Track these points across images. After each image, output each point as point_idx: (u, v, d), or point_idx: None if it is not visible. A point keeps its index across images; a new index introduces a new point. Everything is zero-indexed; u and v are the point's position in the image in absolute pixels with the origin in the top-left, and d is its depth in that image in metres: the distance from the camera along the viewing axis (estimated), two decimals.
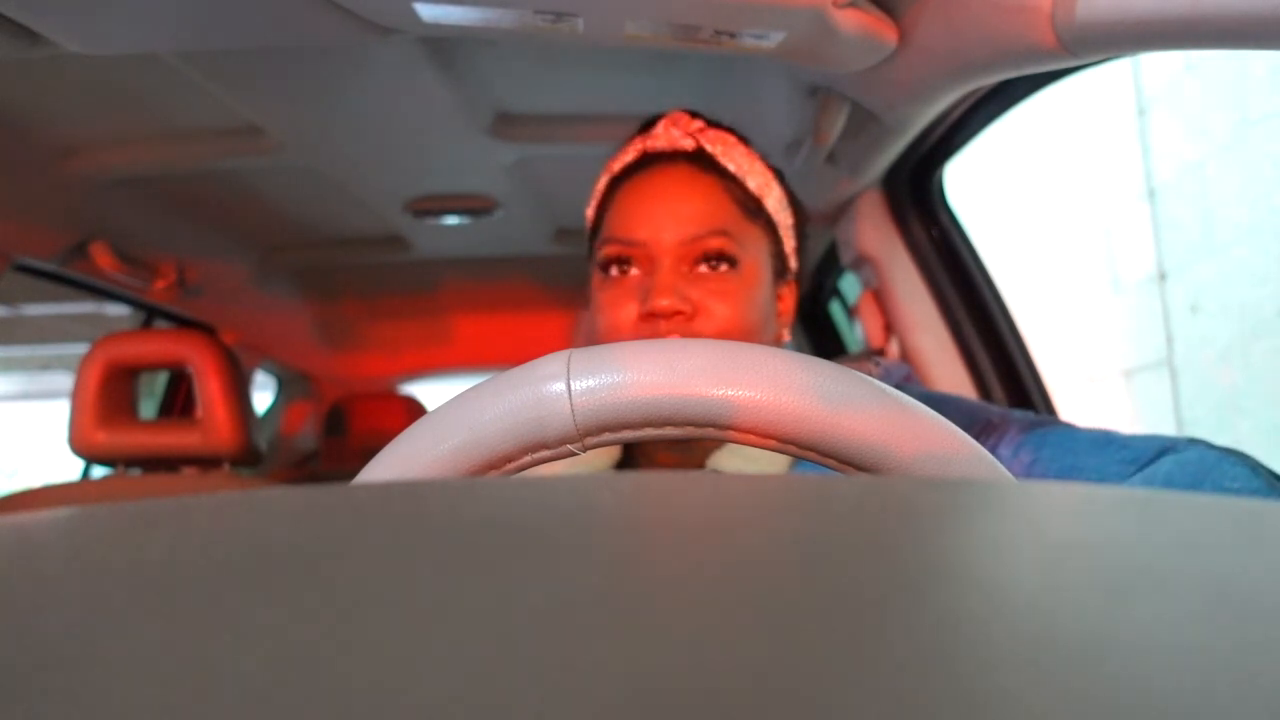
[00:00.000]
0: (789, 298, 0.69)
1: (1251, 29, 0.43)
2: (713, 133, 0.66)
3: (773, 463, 0.60)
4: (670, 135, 0.66)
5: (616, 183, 0.66)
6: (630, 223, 0.63)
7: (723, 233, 0.61)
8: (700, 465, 0.63)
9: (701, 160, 0.64)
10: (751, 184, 0.65)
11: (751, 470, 0.61)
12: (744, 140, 0.68)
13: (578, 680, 0.08)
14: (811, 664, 0.09)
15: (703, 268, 0.62)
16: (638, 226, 0.62)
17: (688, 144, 0.65)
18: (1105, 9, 0.51)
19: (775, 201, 0.66)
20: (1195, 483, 0.44)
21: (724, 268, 0.61)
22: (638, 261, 0.62)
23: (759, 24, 0.64)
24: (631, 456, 0.67)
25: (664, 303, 0.59)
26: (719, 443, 0.62)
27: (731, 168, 0.64)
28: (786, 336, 0.70)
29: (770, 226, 0.66)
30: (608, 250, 0.63)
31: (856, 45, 0.68)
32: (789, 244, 0.68)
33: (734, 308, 0.61)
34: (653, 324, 0.60)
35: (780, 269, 0.67)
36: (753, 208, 0.64)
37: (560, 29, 0.65)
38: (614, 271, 0.63)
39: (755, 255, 0.64)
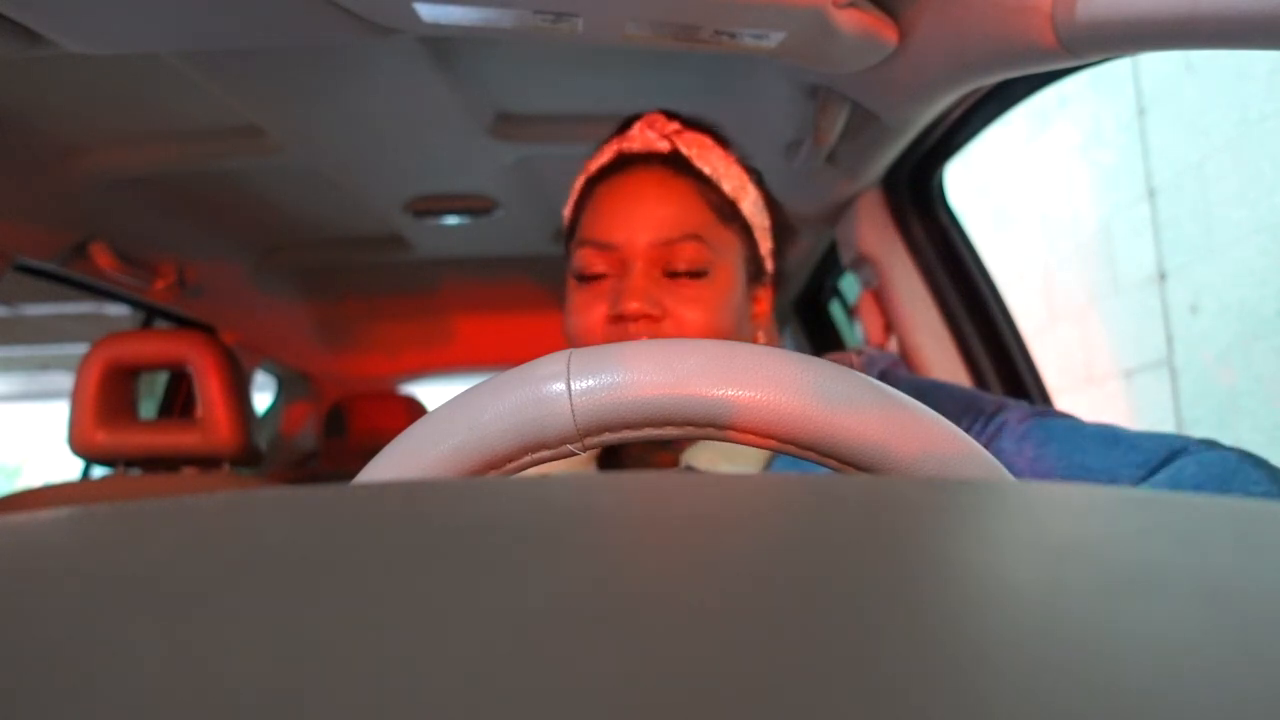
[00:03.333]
0: (765, 300, 0.69)
1: (1251, 29, 0.43)
2: (689, 135, 0.66)
3: (747, 458, 0.60)
4: (645, 137, 0.66)
5: (592, 184, 0.66)
6: (604, 225, 0.63)
7: (695, 237, 0.61)
8: (676, 462, 0.63)
9: (676, 162, 0.64)
10: (727, 187, 0.64)
11: (727, 466, 0.61)
12: (723, 141, 0.68)
13: (577, 679, 0.08)
14: (811, 664, 0.09)
15: (674, 272, 0.61)
16: (611, 229, 0.62)
17: (663, 146, 0.65)
18: (1105, 9, 0.51)
19: (751, 204, 0.66)
20: (1221, 485, 0.44)
21: (695, 273, 0.61)
22: (610, 264, 0.62)
23: (759, 24, 0.64)
24: (614, 453, 0.67)
25: (633, 306, 0.59)
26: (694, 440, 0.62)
27: (707, 170, 0.64)
28: (762, 339, 0.69)
29: (745, 230, 0.65)
30: (582, 253, 0.63)
31: (856, 45, 0.68)
32: (765, 246, 0.68)
33: (704, 313, 0.61)
34: (621, 326, 0.60)
35: (756, 272, 0.67)
36: (727, 212, 0.64)
37: (560, 29, 0.65)
38: (587, 274, 0.63)
39: (728, 259, 0.63)
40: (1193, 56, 2.16)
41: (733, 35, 0.66)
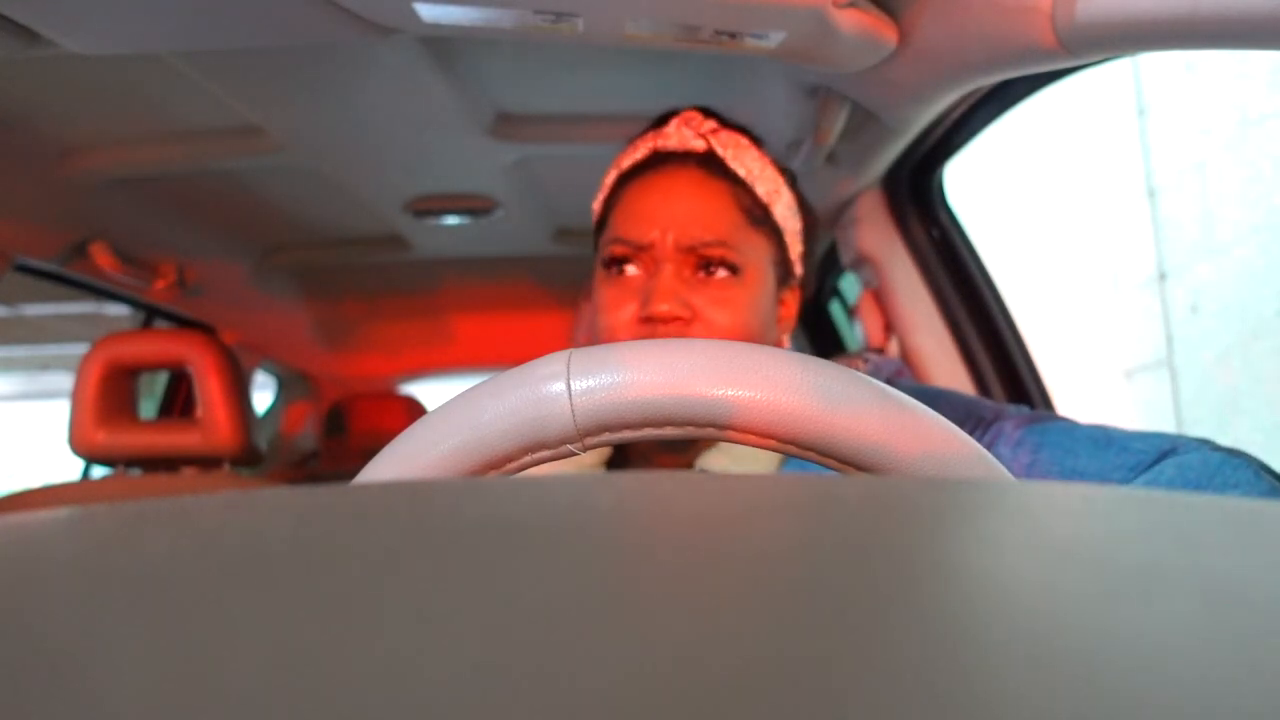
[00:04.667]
0: (791, 303, 0.68)
1: (1251, 29, 0.43)
2: (725, 134, 0.65)
3: (759, 461, 0.60)
4: (682, 135, 0.65)
5: (625, 179, 0.66)
6: (635, 223, 0.62)
7: (724, 243, 0.61)
8: (689, 465, 0.63)
9: (712, 163, 0.63)
10: (760, 190, 0.64)
11: (738, 470, 0.61)
12: (757, 141, 0.67)
13: (577, 679, 0.08)
14: (811, 664, 0.09)
15: (704, 273, 0.61)
16: (643, 228, 0.62)
17: (699, 145, 0.64)
18: (1105, 9, 0.51)
19: (784, 208, 0.66)
20: (1198, 488, 0.44)
21: (725, 274, 0.61)
22: (640, 262, 0.62)
23: (759, 24, 0.64)
24: (623, 456, 0.67)
25: (663, 308, 0.59)
26: (711, 442, 0.62)
27: (742, 173, 0.63)
28: (786, 343, 0.69)
29: (776, 233, 0.65)
30: (612, 250, 0.63)
31: (856, 45, 0.68)
32: (795, 250, 0.67)
33: (733, 315, 0.61)
34: (650, 327, 0.60)
35: (784, 275, 0.66)
36: (759, 215, 0.64)
37: (560, 29, 0.65)
38: (616, 270, 0.63)
39: (758, 263, 0.63)
40: (1193, 56, 2.16)
41: (733, 35, 0.66)
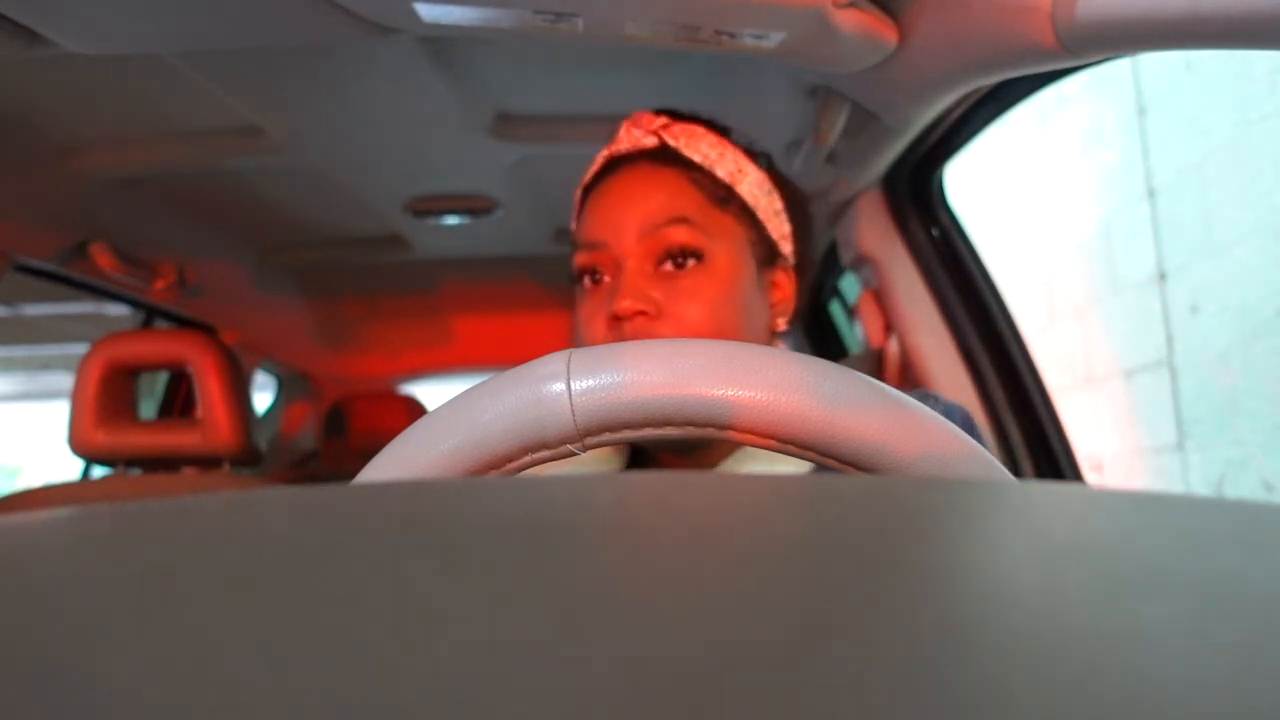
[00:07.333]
0: (785, 284, 0.67)
1: (1251, 29, 0.43)
2: (677, 126, 0.65)
3: (786, 467, 0.59)
4: (632, 136, 0.65)
5: (585, 193, 0.66)
6: (593, 226, 0.62)
7: (683, 220, 0.60)
8: (708, 468, 0.62)
9: (664, 155, 0.63)
10: (720, 171, 0.63)
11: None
12: (719, 130, 0.66)
13: (577, 680, 0.08)
14: (811, 664, 0.09)
15: (669, 265, 0.60)
16: (599, 228, 0.61)
17: (650, 141, 0.64)
18: (1105, 9, 0.51)
19: (751, 185, 0.64)
20: None
21: (691, 263, 0.60)
22: (606, 267, 0.61)
23: (759, 24, 0.64)
24: (640, 460, 0.66)
25: (625, 304, 0.58)
26: (730, 450, 0.62)
27: (696, 158, 0.62)
28: (783, 325, 0.67)
29: (747, 213, 0.64)
30: (577, 258, 0.63)
31: (856, 45, 0.68)
32: (777, 228, 0.66)
33: (702, 306, 0.59)
34: (617, 328, 0.59)
35: (767, 256, 0.65)
36: (723, 195, 0.62)
37: (560, 29, 0.65)
38: (587, 281, 0.62)
39: (728, 245, 0.62)
40: (1193, 56, 2.16)
41: (733, 35, 0.66)
